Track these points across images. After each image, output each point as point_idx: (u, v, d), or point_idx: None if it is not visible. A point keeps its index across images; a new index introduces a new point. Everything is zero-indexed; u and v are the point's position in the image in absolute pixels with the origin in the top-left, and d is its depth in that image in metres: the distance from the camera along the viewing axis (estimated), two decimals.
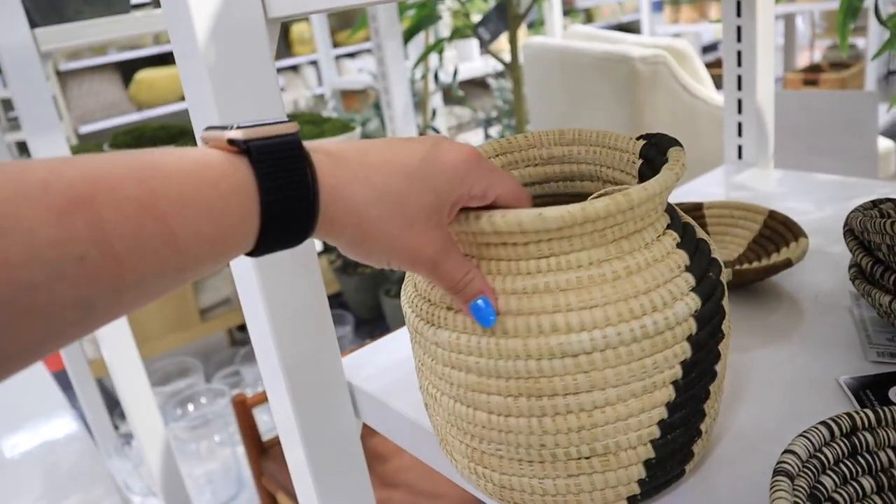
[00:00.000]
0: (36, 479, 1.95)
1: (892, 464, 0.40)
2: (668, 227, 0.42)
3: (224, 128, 0.33)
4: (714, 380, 0.43)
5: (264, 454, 1.48)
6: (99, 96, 3.72)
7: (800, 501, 0.37)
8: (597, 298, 0.38)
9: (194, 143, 1.42)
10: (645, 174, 0.45)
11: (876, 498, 0.40)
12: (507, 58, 2.11)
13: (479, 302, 0.39)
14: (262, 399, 1.44)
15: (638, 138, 0.47)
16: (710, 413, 0.44)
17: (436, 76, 2.41)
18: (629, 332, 0.38)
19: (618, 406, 0.40)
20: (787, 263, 0.63)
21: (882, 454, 0.40)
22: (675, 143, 0.45)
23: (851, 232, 0.57)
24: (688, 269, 0.41)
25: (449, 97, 3.28)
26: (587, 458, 0.41)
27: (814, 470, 0.39)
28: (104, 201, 0.27)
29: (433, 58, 2.48)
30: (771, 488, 0.37)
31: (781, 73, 4.77)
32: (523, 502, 0.43)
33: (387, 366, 0.63)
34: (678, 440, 0.42)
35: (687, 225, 0.44)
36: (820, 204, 0.86)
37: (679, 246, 0.41)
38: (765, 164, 1.03)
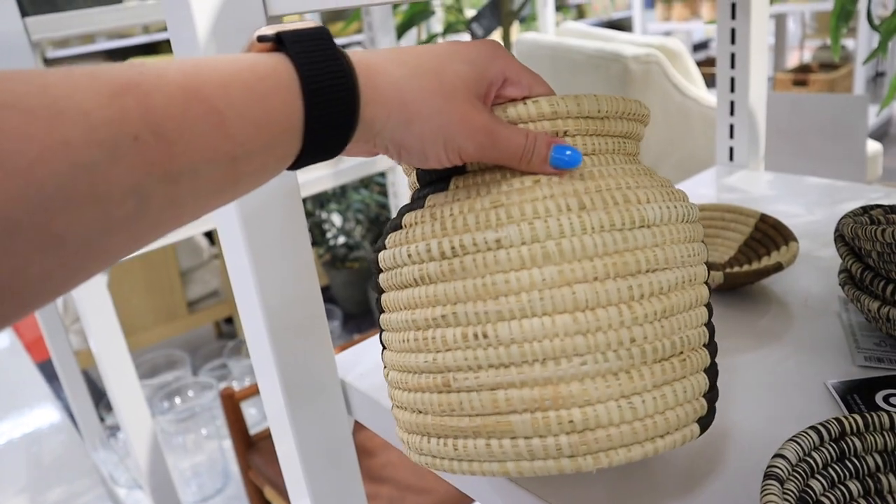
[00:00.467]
0: (20, 470, 1.94)
1: (879, 468, 0.41)
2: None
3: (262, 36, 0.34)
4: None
5: (251, 448, 1.48)
6: None
7: None
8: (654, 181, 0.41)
9: None
10: None
11: (862, 501, 0.40)
12: None
13: (558, 153, 0.38)
14: (250, 393, 1.44)
15: None
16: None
17: None
18: (685, 210, 0.40)
19: (685, 289, 0.39)
20: (778, 267, 0.64)
21: (869, 458, 0.41)
22: None
23: (842, 238, 0.58)
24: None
25: None
26: (670, 357, 0.38)
27: (803, 474, 0.39)
28: (151, 86, 0.27)
29: None
30: (761, 492, 0.37)
31: (771, 73, 4.80)
32: (608, 441, 0.37)
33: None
34: (715, 359, 0.42)
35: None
36: (810, 207, 0.87)
37: None
38: (756, 166, 1.04)
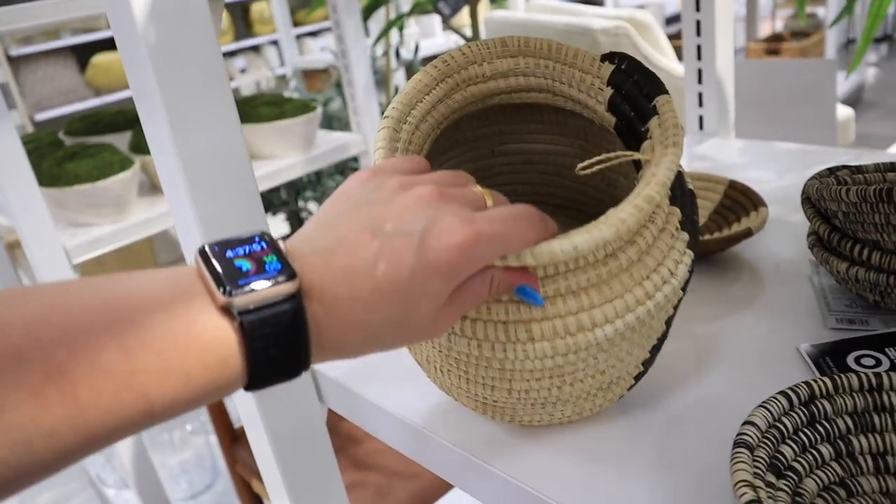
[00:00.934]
0: None
1: (850, 430, 0.40)
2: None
3: (220, 277, 0.29)
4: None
5: (237, 442, 1.47)
6: (54, 82, 3.61)
7: (760, 472, 0.37)
8: (616, 290, 0.39)
9: None
10: (618, 106, 0.44)
11: (835, 465, 0.40)
12: (469, 33, 2.08)
13: (521, 293, 0.37)
14: None
15: (603, 59, 0.45)
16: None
17: (397, 53, 2.38)
18: (646, 312, 0.39)
19: (627, 360, 0.43)
20: (748, 233, 0.63)
21: (840, 421, 0.41)
22: (651, 78, 0.43)
23: (809, 200, 0.57)
24: (681, 225, 0.41)
25: (411, 74, 3.25)
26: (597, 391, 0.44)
27: (773, 440, 0.39)
28: (82, 376, 0.26)
29: (394, 34, 2.45)
30: (731, 460, 0.37)
31: (744, 44, 4.80)
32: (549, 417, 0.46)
33: None
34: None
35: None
36: (780, 173, 0.86)
37: (673, 202, 0.41)
38: (726, 133, 1.03)
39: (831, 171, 0.60)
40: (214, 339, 0.29)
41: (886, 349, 0.51)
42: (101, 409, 0.26)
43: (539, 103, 0.49)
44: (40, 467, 0.25)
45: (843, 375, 0.41)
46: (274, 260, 0.30)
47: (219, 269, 0.30)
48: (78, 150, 1.30)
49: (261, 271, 0.30)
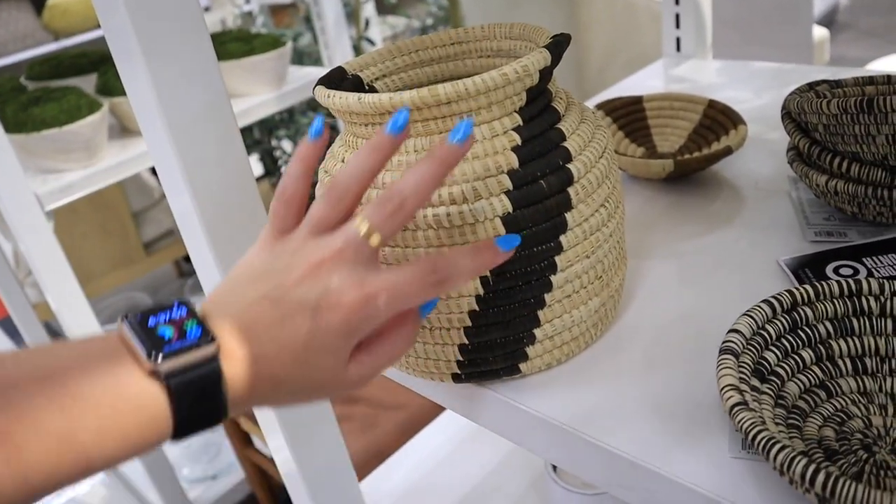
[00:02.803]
0: None
1: (830, 335, 0.42)
2: (518, 127, 0.42)
3: (147, 344, 0.32)
4: (549, 289, 0.43)
5: None
6: (10, 26, 3.47)
7: (745, 377, 0.38)
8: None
9: (115, 72, 1.34)
10: None
11: (815, 369, 0.41)
12: None
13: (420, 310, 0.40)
14: None
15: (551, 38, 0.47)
16: (548, 321, 0.45)
17: None
18: (446, 216, 0.40)
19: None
20: (728, 151, 0.63)
21: (820, 326, 0.42)
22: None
23: (789, 115, 0.57)
24: (511, 172, 0.41)
25: (382, 6, 3.17)
26: (424, 327, 0.45)
27: (757, 346, 0.40)
28: (25, 437, 0.28)
29: None
30: (717, 366, 0.38)
31: None
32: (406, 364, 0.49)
33: None
34: (497, 335, 0.44)
35: (551, 130, 0.43)
36: (758, 92, 0.86)
37: (514, 149, 0.41)
38: (703, 55, 1.02)
39: (811, 85, 0.60)
40: (146, 401, 0.32)
41: (864, 259, 0.52)
42: (44, 468, 0.28)
43: None
44: None
45: (823, 283, 0.42)
46: (194, 325, 0.33)
47: (144, 337, 0.33)
48: (42, 94, 1.26)
49: (182, 337, 0.33)
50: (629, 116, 0.75)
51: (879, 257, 0.52)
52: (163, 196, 2.34)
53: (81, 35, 3.60)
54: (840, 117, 0.49)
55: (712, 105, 0.72)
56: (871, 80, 0.60)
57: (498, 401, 0.47)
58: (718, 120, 0.71)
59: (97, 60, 1.61)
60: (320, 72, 1.65)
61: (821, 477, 0.30)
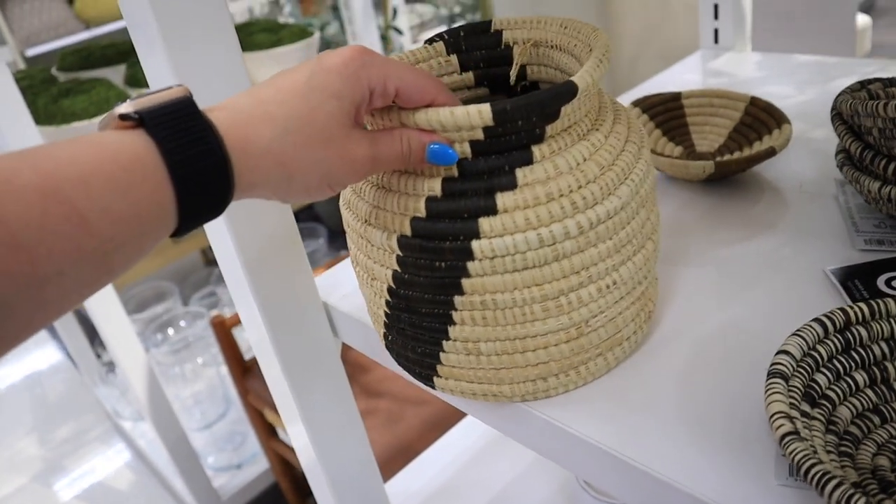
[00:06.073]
0: (25, 412, 1.95)
1: (885, 356, 0.39)
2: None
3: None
4: (455, 309, 0.41)
5: (247, 373, 1.48)
6: (42, 16, 3.49)
7: (795, 401, 0.36)
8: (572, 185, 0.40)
9: None
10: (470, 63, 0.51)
11: (869, 392, 0.39)
12: None
13: (431, 151, 0.38)
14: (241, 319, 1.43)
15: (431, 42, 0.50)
16: (459, 338, 0.42)
17: None
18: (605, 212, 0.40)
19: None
20: (771, 152, 0.61)
21: (875, 347, 0.39)
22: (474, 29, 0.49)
23: (840, 116, 0.54)
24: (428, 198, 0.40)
25: None
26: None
27: (808, 368, 0.38)
28: (1, 192, 0.26)
29: None
30: (766, 391, 0.35)
31: None
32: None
33: None
34: (409, 336, 0.44)
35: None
36: (801, 87, 0.83)
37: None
38: (742, 47, 0.99)
39: (862, 84, 0.57)
40: (123, 142, 0.30)
41: None
42: (32, 225, 0.26)
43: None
44: None
45: (879, 301, 0.39)
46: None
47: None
48: (72, 86, 1.26)
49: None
50: (667, 114, 0.73)
51: None
52: None
53: (113, 24, 3.62)
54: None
55: (754, 102, 0.69)
56: None
57: (530, 416, 0.45)
58: (761, 118, 0.68)
59: (126, 51, 1.62)
60: None
61: None
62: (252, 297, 0.55)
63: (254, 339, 0.61)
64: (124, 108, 0.31)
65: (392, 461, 1.19)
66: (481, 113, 0.36)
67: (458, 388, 0.45)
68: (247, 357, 1.49)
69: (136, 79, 1.40)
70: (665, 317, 0.50)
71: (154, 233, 0.31)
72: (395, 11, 2.25)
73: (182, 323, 1.96)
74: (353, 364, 1.41)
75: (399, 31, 2.22)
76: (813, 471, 0.31)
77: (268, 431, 1.54)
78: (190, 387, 1.89)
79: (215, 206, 0.33)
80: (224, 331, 1.41)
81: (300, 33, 1.49)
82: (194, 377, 1.90)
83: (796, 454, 0.32)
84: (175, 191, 0.31)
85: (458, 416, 1.24)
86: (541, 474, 0.81)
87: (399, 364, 0.49)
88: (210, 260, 2.64)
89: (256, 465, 1.74)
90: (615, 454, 0.40)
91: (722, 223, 0.60)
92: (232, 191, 0.33)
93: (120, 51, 1.61)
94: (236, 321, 1.41)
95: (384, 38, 2.06)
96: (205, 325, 1.93)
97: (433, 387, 0.47)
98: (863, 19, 1.94)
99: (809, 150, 0.68)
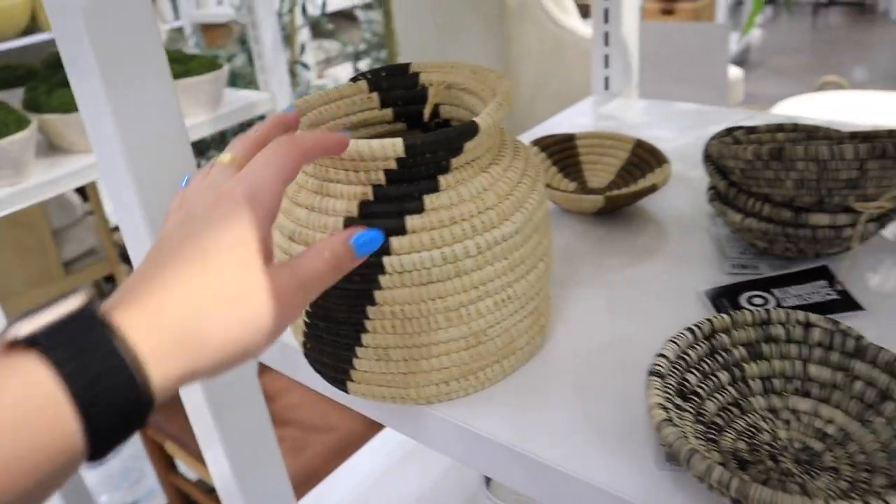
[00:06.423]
0: None
1: (744, 358, 0.46)
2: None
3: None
4: (367, 318, 0.46)
5: None
6: None
7: (670, 396, 0.42)
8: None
9: (44, 87, 1.32)
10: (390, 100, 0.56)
11: (731, 388, 0.46)
12: None
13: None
14: None
15: (355, 80, 0.55)
16: (371, 345, 0.47)
17: (303, 8, 2.34)
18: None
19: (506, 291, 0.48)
20: (653, 188, 0.69)
21: (735, 351, 0.46)
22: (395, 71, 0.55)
23: (710, 158, 0.62)
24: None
25: (317, 30, 3.19)
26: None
27: (680, 369, 0.44)
28: None
29: None
30: (646, 387, 0.41)
31: (641, 3, 4.97)
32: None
33: None
34: (326, 343, 0.49)
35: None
36: (681, 131, 0.93)
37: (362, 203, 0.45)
38: (629, 93, 1.09)
39: (729, 131, 0.65)
40: (18, 369, 0.26)
41: (772, 289, 0.57)
42: None
43: None
44: None
45: (738, 312, 0.46)
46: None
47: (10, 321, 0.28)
48: None
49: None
50: (563, 153, 0.80)
51: (787, 288, 0.57)
52: (86, 214, 2.28)
53: (5, 43, 3.47)
54: (754, 163, 0.54)
55: (640, 144, 0.77)
56: (780, 128, 0.66)
57: (437, 419, 0.49)
58: (645, 158, 0.76)
59: (24, 74, 1.58)
60: (256, 95, 1.65)
61: (735, 482, 0.34)
62: None
63: None
64: (15, 332, 0.27)
65: (298, 488, 1.20)
66: (395, 146, 0.41)
67: (370, 392, 0.49)
68: None
69: (36, 103, 1.37)
70: (558, 331, 0.56)
71: (56, 471, 0.26)
72: (302, 47, 2.29)
73: None
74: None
75: (306, 66, 2.26)
76: (683, 450, 0.37)
77: (167, 466, 1.51)
78: None
79: (131, 426, 0.28)
80: None
81: (209, 65, 1.50)
82: None
83: (669, 437, 0.38)
84: (84, 423, 0.26)
85: (362, 441, 1.26)
86: (447, 489, 0.85)
87: (316, 370, 0.52)
88: (104, 293, 2.56)
89: (153, 502, 1.69)
90: (512, 448, 0.46)
91: (611, 251, 0.67)
92: (152, 405, 0.28)
93: (17, 74, 1.57)
94: None
95: (292, 73, 2.09)
96: None
97: (347, 391, 0.51)
98: (735, 71, 2.13)
99: (687, 187, 0.77)
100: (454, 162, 0.44)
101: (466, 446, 0.49)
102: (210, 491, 1.61)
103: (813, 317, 0.46)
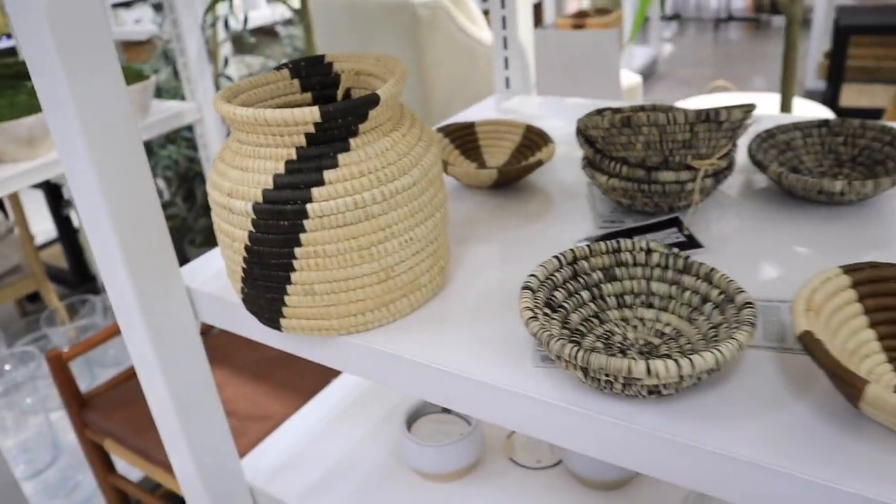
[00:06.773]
0: None
1: (601, 280, 0.58)
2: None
3: None
4: (295, 258, 0.55)
5: (85, 406, 1.49)
6: None
7: (539, 306, 0.53)
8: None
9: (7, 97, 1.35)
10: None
11: (591, 304, 0.57)
12: (297, 3, 2.16)
13: None
14: (79, 351, 1.45)
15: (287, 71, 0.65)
16: (299, 282, 0.56)
17: (226, 23, 2.41)
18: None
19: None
20: (539, 163, 0.80)
21: (594, 274, 0.58)
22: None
23: (580, 132, 0.75)
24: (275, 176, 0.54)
25: (240, 46, 3.25)
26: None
27: (549, 287, 0.55)
28: None
29: (223, 5, 2.46)
30: (520, 299, 0.52)
31: (554, 19, 5.20)
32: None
33: (220, 269, 0.73)
34: (260, 287, 0.58)
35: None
36: (570, 121, 1.05)
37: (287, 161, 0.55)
38: (528, 91, 1.22)
39: (599, 111, 0.78)
40: None
41: (634, 237, 0.69)
42: None
43: None
44: None
45: (595, 243, 0.58)
46: None
47: None
48: None
49: None
50: (464, 138, 0.91)
51: (645, 235, 0.69)
52: (8, 231, 2.28)
53: None
54: (610, 130, 0.67)
55: (530, 129, 0.89)
56: (641, 108, 0.79)
57: (357, 346, 0.59)
58: (535, 140, 0.88)
59: None
60: (182, 106, 1.72)
61: (581, 353, 0.45)
62: (132, 302, 0.65)
63: (134, 349, 0.70)
64: None
65: None
66: (313, 113, 0.51)
67: (300, 325, 0.59)
68: (84, 389, 1.50)
69: None
70: (458, 277, 0.66)
71: None
72: (226, 60, 2.36)
73: (7, 366, 1.90)
74: None
75: (230, 79, 2.33)
76: (543, 335, 0.48)
77: (106, 467, 1.55)
78: (15, 436, 1.83)
79: None
80: (60, 365, 1.42)
81: (136, 76, 1.57)
82: (19, 425, 1.84)
83: (534, 329, 0.49)
84: None
85: None
86: (375, 443, 0.95)
87: (252, 313, 0.62)
88: (27, 311, 2.54)
89: None
90: (419, 361, 0.56)
91: (505, 216, 0.78)
92: None
93: None
94: (74, 353, 1.43)
95: (216, 85, 2.16)
96: (33, 368, 1.89)
97: (280, 328, 0.60)
98: (635, 78, 2.31)
99: (571, 164, 0.89)
100: (362, 127, 0.54)
101: (383, 368, 0.59)
102: (154, 489, 1.65)
103: (653, 244, 0.58)
